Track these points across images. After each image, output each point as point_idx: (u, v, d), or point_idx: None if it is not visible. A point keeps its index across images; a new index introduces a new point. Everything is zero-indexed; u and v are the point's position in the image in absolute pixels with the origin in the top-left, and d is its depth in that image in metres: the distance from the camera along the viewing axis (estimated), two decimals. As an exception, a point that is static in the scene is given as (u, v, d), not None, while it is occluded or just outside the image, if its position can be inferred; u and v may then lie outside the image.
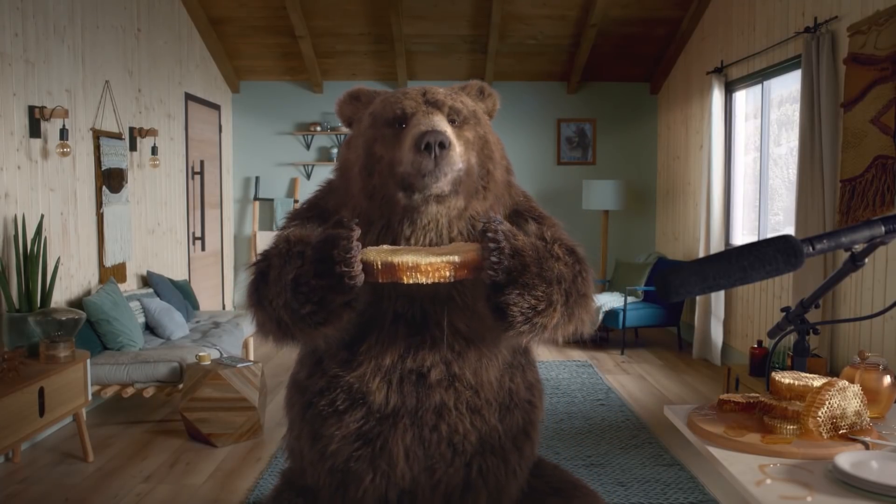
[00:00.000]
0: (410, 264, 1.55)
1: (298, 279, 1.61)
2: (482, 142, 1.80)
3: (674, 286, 1.48)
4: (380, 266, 1.56)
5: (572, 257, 1.75)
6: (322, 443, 1.81)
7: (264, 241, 7.77)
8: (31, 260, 3.94)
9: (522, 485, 1.96)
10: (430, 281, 1.56)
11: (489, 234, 1.60)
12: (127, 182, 5.23)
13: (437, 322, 1.77)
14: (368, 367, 1.78)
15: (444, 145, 1.62)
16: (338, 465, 1.79)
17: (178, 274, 6.30)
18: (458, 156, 1.69)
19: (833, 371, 4.41)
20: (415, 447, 1.76)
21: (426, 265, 1.55)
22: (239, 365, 4.11)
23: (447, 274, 1.56)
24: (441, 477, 1.78)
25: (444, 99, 1.77)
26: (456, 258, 1.58)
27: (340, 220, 1.63)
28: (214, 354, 4.51)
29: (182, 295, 5.56)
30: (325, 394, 1.82)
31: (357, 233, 1.59)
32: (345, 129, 8.46)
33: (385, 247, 1.66)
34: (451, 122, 1.75)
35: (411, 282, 1.56)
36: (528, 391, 1.93)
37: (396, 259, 1.56)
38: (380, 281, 1.58)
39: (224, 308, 7.55)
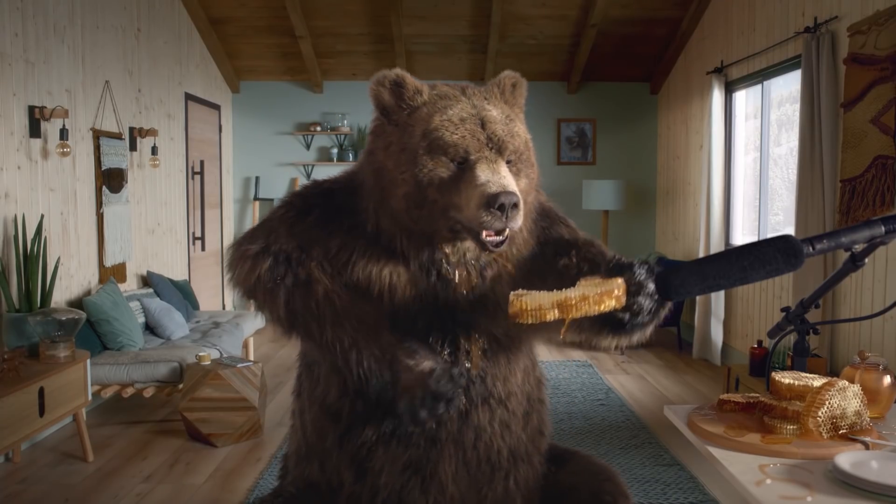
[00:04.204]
0: (580, 296, 1.45)
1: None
2: (531, 171, 1.75)
3: (674, 286, 1.48)
4: (548, 305, 1.46)
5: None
6: (371, 476, 1.75)
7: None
8: (31, 260, 3.94)
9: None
10: (594, 312, 1.47)
11: (634, 271, 1.52)
12: (127, 182, 5.23)
13: (471, 333, 1.73)
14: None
15: (517, 207, 1.56)
16: (391, 497, 1.75)
17: (178, 274, 6.30)
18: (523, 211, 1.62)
19: (833, 371, 4.41)
20: (460, 469, 1.76)
21: (594, 296, 1.45)
22: (239, 365, 4.11)
23: (612, 304, 1.47)
24: (486, 493, 1.80)
25: (504, 139, 1.67)
26: (620, 285, 1.48)
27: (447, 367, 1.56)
28: (214, 354, 4.51)
29: (182, 295, 5.56)
30: (368, 421, 1.73)
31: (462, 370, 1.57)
32: (345, 130, 8.36)
33: (535, 292, 1.52)
34: (509, 162, 1.68)
35: (580, 315, 1.46)
36: (538, 389, 1.94)
37: (563, 296, 1.46)
38: (547, 320, 1.47)
39: (224, 308, 7.54)
